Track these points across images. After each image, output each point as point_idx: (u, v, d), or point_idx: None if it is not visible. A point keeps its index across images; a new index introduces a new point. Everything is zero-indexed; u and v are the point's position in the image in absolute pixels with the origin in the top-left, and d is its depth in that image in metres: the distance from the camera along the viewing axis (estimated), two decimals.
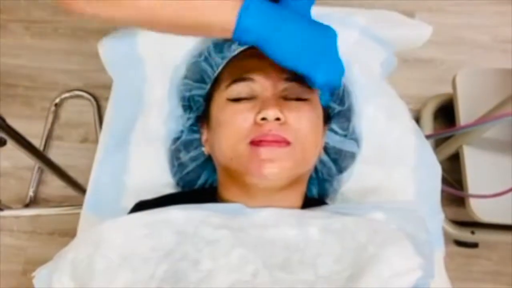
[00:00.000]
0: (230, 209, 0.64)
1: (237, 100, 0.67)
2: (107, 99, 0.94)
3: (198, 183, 0.80)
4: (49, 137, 1.65)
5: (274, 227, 0.61)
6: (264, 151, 0.62)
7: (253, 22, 0.56)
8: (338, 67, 0.64)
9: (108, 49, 0.88)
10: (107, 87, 0.94)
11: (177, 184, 0.82)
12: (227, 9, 0.56)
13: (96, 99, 1.69)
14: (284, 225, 0.61)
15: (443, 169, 0.85)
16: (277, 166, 0.62)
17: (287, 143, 0.63)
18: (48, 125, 1.66)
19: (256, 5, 0.56)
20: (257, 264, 0.57)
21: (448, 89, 1.48)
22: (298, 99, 0.68)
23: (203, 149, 0.77)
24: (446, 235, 1.37)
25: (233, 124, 0.65)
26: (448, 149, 1.40)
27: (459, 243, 1.44)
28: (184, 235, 0.60)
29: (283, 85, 0.68)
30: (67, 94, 1.71)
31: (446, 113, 1.56)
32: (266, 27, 0.57)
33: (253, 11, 0.56)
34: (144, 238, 0.59)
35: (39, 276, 0.60)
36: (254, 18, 0.56)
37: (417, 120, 1.60)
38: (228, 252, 0.58)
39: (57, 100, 1.70)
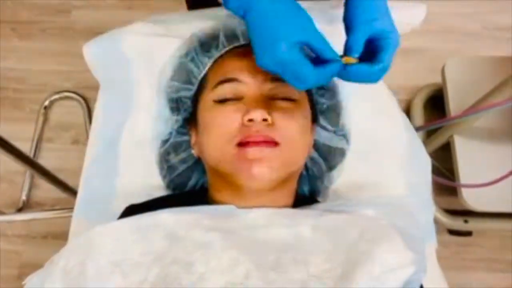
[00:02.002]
0: (220, 210, 0.64)
1: (223, 101, 0.67)
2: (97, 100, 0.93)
3: (189, 185, 0.80)
4: (39, 140, 1.64)
5: (265, 227, 0.61)
6: (252, 151, 0.62)
7: None
8: None
9: (93, 52, 0.87)
10: (97, 88, 0.93)
11: (167, 186, 0.81)
12: None
13: (86, 100, 1.68)
14: (275, 225, 0.61)
15: (435, 159, 0.85)
16: (265, 166, 0.62)
17: (275, 143, 0.63)
18: (39, 128, 1.65)
19: None
20: (248, 266, 0.56)
21: (438, 79, 1.48)
22: (285, 99, 0.67)
23: (192, 151, 0.77)
24: (439, 224, 1.38)
25: (220, 127, 0.65)
26: (439, 139, 1.40)
27: (453, 232, 1.45)
28: (174, 238, 0.59)
29: (270, 85, 0.67)
30: (56, 96, 1.70)
31: (436, 102, 1.56)
32: None
33: None
34: (135, 243, 0.59)
35: (31, 283, 0.60)
36: None
37: (408, 110, 1.60)
38: (220, 255, 0.57)
39: (47, 102, 1.69)
